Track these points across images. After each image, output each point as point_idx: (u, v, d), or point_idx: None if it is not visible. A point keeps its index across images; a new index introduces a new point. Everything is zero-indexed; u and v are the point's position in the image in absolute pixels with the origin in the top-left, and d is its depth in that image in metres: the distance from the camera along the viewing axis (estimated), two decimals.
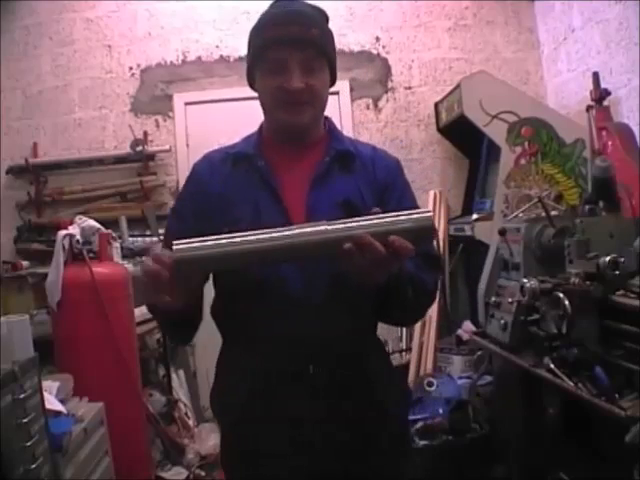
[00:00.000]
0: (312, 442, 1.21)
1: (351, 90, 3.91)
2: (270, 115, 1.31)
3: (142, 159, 3.83)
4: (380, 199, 1.26)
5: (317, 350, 1.20)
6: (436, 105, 3.82)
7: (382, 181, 1.31)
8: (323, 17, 1.31)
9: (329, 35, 1.31)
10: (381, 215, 0.98)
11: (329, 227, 0.98)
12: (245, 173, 1.29)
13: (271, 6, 1.30)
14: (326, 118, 1.39)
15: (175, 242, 0.97)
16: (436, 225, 3.56)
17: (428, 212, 1.00)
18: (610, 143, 2.74)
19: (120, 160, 3.85)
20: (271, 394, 1.22)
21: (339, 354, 1.22)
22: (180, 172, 3.82)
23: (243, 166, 1.30)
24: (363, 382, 1.25)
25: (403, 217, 0.98)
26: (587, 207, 2.11)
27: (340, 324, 1.21)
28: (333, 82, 1.35)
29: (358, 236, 0.95)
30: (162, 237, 1.31)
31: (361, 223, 0.97)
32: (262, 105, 1.31)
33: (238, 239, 0.98)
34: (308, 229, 0.98)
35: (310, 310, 1.20)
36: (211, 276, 1.30)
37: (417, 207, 1.28)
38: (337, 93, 3.87)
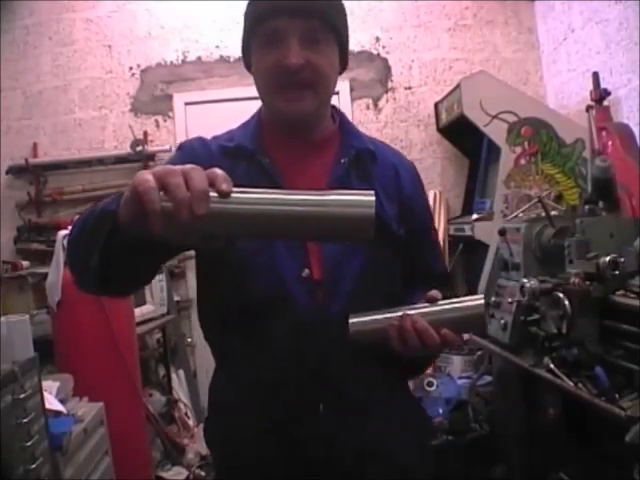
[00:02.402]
0: None
1: (351, 90, 3.91)
2: (266, 102, 1.11)
3: (142, 159, 3.82)
4: (403, 215, 1.12)
5: (329, 387, 1.03)
6: (436, 105, 3.82)
7: (408, 197, 1.14)
8: None
9: (339, 7, 1.09)
10: (437, 303, 1.00)
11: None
12: (246, 172, 1.06)
13: None
14: (334, 108, 1.18)
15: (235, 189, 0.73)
16: (437, 225, 3.56)
17: (480, 300, 1.00)
18: (610, 143, 2.74)
19: (120, 160, 3.85)
20: (274, 437, 1.04)
21: (356, 393, 1.05)
22: None
23: (243, 163, 1.08)
24: (382, 430, 1.07)
25: (456, 306, 1.00)
26: (587, 207, 2.10)
27: (359, 356, 1.02)
28: (344, 66, 1.13)
29: (423, 328, 0.95)
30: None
31: (419, 310, 0.99)
32: (258, 90, 1.10)
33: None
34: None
35: (323, 337, 1.02)
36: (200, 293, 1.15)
37: (433, 221, 1.27)
38: (337, 93, 3.87)
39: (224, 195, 0.70)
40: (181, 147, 1.14)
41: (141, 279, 1.00)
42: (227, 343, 1.11)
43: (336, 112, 1.18)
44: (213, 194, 0.70)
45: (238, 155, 1.09)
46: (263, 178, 1.05)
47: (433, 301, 0.99)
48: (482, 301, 0.99)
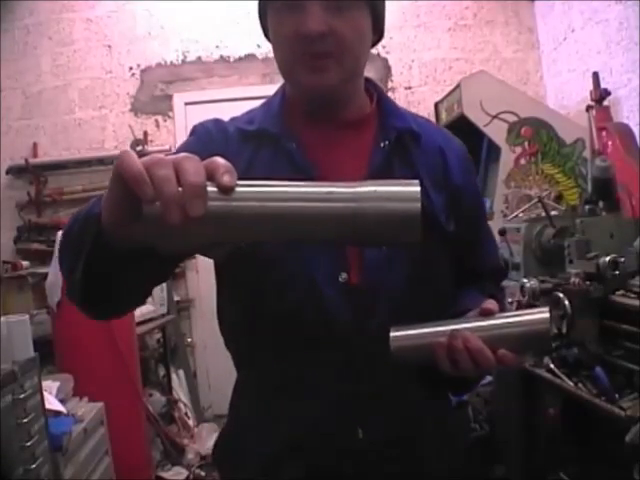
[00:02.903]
0: None
1: None
2: (286, 76, 0.96)
3: None
4: (452, 205, 0.97)
5: (369, 408, 0.90)
6: (436, 105, 3.81)
7: (457, 184, 0.98)
8: None
9: None
10: (493, 316, 0.85)
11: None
12: (270, 159, 0.93)
13: None
14: (370, 83, 1.03)
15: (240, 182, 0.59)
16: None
17: (545, 313, 0.84)
18: (610, 143, 2.74)
19: None
20: (304, 464, 0.91)
21: (400, 414, 0.92)
22: None
23: (266, 149, 0.95)
24: (426, 455, 0.95)
25: (516, 320, 0.85)
26: (587, 207, 2.11)
27: (403, 374, 0.90)
28: (380, 36, 0.98)
29: (477, 348, 0.81)
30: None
31: (472, 324, 0.84)
32: (277, 62, 0.96)
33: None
34: None
35: (362, 349, 0.90)
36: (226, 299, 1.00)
37: (485, 210, 1.09)
38: None
39: (226, 190, 0.57)
40: (195, 131, 1.00)
41: (131, 298, 0.84)
42: (253, 352, 0.97)
43: (373, 87, 1.02)
44: (212, 189, 0.57)
45: (260, 140, 0.95)
46: (290, 166, 0.92)
47: (489, 314, 0.85)
48: (547, 314, 0.83)
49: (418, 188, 0.60)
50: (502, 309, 0.91)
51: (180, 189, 0.55)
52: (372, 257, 0.91)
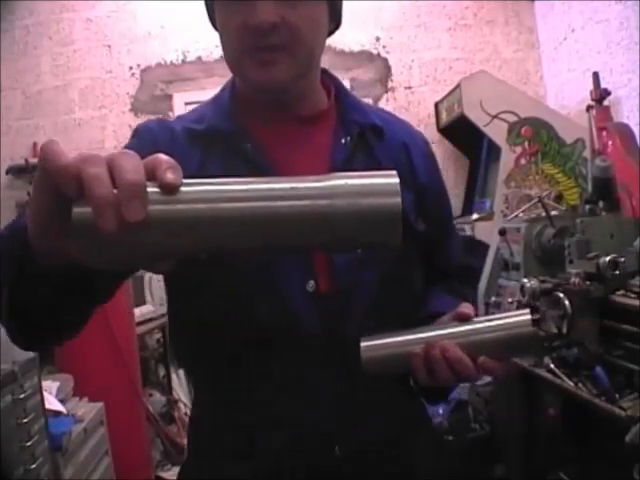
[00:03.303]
0: None
1: (351, 90, 3.89)
2: (234, 70, 0.89)
3: None
4: (419, 204, 0.92)
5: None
6: (436, 105, 3.82)
7: (423, 182, 0.94)
8: None
9: None
10: (471, 321, 0.80)
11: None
12: (223, 161, 0.85)
13: None
14: (327, 75, 0.97)
15: (186, 181, 0.50)
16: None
17: (527, 315, 0.79)
18: (610, 143, 2.74)
19: None
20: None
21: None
22: None
23: (218, 150, 0.86)
24: (406, 472, 0.90)
25: (497, 323, 0.80)
26: (587, 207, 2.11)
27: (378, 389, 0.86)
28: (337, 24, 0.91)
29: (456, 357, 0.76)
30: None
31: (448, 331, 0.79)
32: (225, 57, 0.88)
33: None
34: None
35: (335, 362, 0.84)
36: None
37: (451, 206, 1.07)
38: None
39: (170, 189, 0.48)
40: (137, 132, 0.92)
41: (63, 324, 0.74)
42: (214, 375, 0.89)
43: (330, 80, 0.96)
44: (154, 190, 0.48)
45: (211, 140, 0.87)
46: (245, 167, 0.84)
47: (466, 319, 0.80)
48: (528, 316, 0.78)
49: (397, 180, 0.51)
50: (476, 310, 0.87)
51: (115, 191, 0.46)
52: (342, 260, 0.85)
